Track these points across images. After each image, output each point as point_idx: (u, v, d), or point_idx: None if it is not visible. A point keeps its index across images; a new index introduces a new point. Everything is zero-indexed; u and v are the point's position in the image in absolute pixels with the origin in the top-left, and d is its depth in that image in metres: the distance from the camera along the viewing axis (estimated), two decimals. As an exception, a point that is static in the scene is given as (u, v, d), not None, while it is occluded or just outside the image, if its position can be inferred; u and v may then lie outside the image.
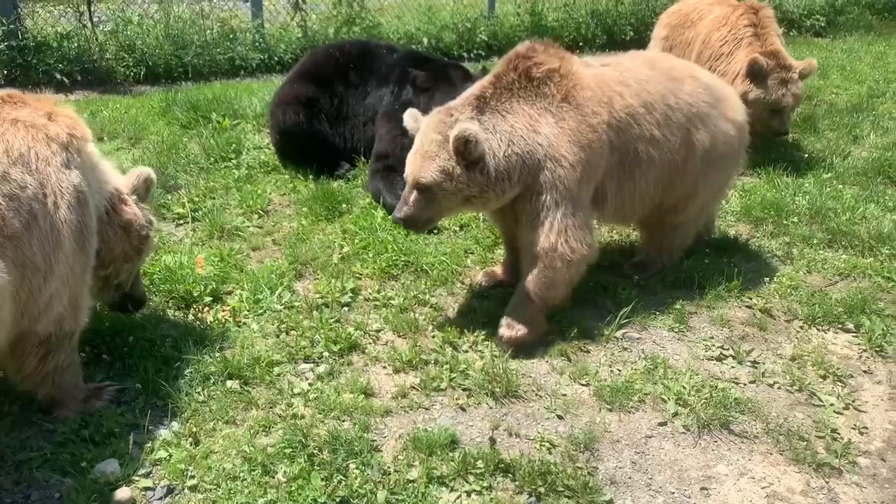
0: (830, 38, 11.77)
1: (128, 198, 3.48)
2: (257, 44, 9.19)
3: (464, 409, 3.52)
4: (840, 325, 4.24)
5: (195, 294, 4.19)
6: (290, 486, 2.98)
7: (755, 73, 6.04)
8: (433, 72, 5.59)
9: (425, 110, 5.52)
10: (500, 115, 3.84)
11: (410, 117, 4.10)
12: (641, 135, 4.04)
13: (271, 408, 3.43)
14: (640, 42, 9.68)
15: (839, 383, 3.79)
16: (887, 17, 13.14)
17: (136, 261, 3.60)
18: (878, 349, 4.05)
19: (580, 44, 10.66)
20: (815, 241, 5.07)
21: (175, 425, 3.28)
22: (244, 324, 4.03)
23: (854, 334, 4.19)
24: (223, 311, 4.12)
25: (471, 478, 3.10)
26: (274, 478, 3.04)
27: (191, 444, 3.18)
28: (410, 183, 3.85)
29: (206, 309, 4.14)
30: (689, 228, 4.60)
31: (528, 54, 3.94)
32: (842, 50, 10.53)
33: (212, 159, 5.98)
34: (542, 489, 3.06)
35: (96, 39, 8.60)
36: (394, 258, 4.63)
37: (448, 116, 3.85)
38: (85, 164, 3.17)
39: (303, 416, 3.39)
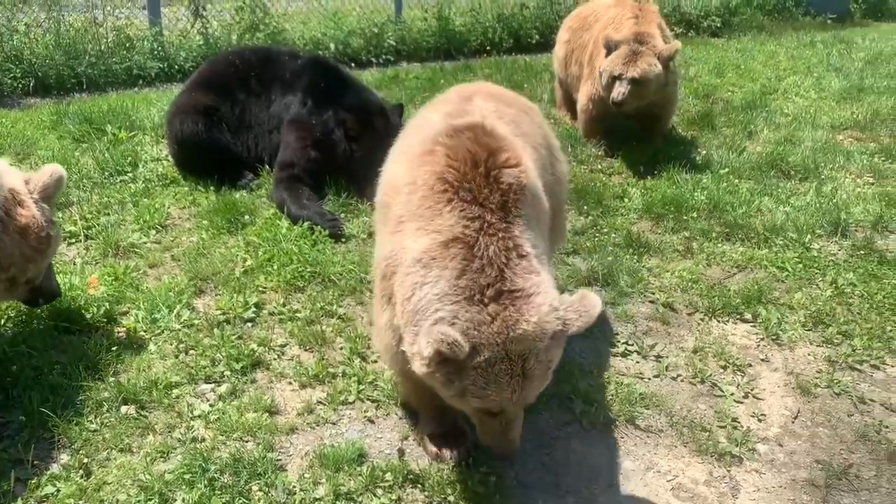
0: (726, 38, 12.27)
1: (26, 199, 3.36)
2: (156, 52, 8.88)
3: (372, 422, 3.45)
4: (739, 316, 4.38)
5: (88, 316, 3.98)
6: (189, 514, 2.85)
7: (606, 46, 6.17)
8: (361, 118, 5.53)
9: (347, 153, 5.46)
10: None
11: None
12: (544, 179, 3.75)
13: (170, 432, 3.28)
14: (546, 45, 9.85)
15: (739, 373, 3.90)
16: (777, 17, 13.81)
17: (40, 260, 3.49)
18: (774, 337, 4.20)
19: (487, 48, 10.74)
20: (713, 235, 5.23)
21: (64, 458, 3.09)
22: (140, 345, 3.84)
23: (752, 324, 4.33)
24: (119, 331, 3.92)
25: (379, 491, 3.03)
26: (172, 506, 2.90)
27: (81, 477, 3.00)
28: None
29: (100, 331, 3.93)
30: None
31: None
32: (736, 49, 10.99)
33: (106, 173, 5.71)
34: (451, 497, 3.02)
35: (-21, 50, 8.13)
36: (299, 269, 4.52)
37: None
38: None
39: (203, 440, 3.25)
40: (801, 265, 4.86)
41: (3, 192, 3.26)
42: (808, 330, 4.27)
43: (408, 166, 2.89)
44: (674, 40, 6.82)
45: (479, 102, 3.21)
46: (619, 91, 6.05)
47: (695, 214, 5.47)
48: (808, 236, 5.18)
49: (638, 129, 6.86)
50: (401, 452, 3.25)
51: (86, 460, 3.07)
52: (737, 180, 6.13)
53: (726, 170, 6.28)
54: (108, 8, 9.48)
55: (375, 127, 5.54)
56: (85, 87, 8.31)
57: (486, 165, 2.71)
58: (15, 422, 3.24)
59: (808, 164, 6.42)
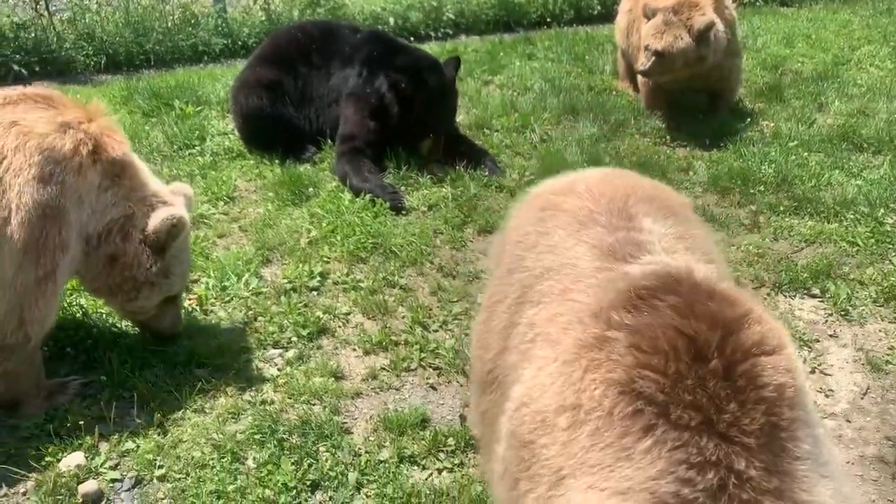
0: (796, 6, 11.78)
1: (133, 232, 3.27)
2: (220, 28, 9.02)
3: (434, 388, 3.52)
4: (806, 291, 4.29)
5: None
6: (260, 472, 2.97)
7: (644, 14, 6.10)
8: (414, 77, 5.50)
9: (402, 114, 5.49)
10: None
11: None
12: None
13: (240, 395, 3.41)
14: (608, 16, 9.66)
15: (806, 348, 3.83)
16: (851, -16, 13.19)
17: (137, 299, 3.38)
18: (843, 313, 4.10)
19: (548, 20, 10.59)
20: (781, 209, 5.10)
21: (142, 416, 3.25)
22: (211, 311, 3.98)
23: (820, 299, 4.23)
24: (190, 299, 4.07)
25: (442, 455, 3.10)
26: (244, 464, 3.03)
27: (158, 435, 3.15)
28: None
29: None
30: None
31: None
32: (807, 19, 10.56)
33: (175, 147, 5.88)
34: (513, 464, 3.07)
35: (54, 29, 8.40)
36: (362, 241, 4.60)
37: None
38: (86, 181, 3.10)
39: (272, 402, 3.37)
40: (872, 240, 4.71)
41: (112, 216, 3.26)
42: (880, 306, 4.15)
43: (558, 373, 1.74)
44: (734, 11, 6.61)
45: (648, 223, 2.14)
46: (643, 62, 6.04)
47: (762, 188, 5.34)
48: (882, 210, 5.01)
49: (703, 103, 6.71)
50: (462, 419, 3.30)
51: (162, 419, 3.22)
52: (806, 153, 5.95)
53: (795, 142, 6.10)
54: (174, -14, 9.69)
55: (429, 83, 5.49)
56: (153, 63, 8.52)
57: (723, 356, 1.55)
58: (97, 381, 3.41)
59: (883, 137, 6.18)
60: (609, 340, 1.66)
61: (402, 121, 5.52)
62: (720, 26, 6.05)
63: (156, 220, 3.27)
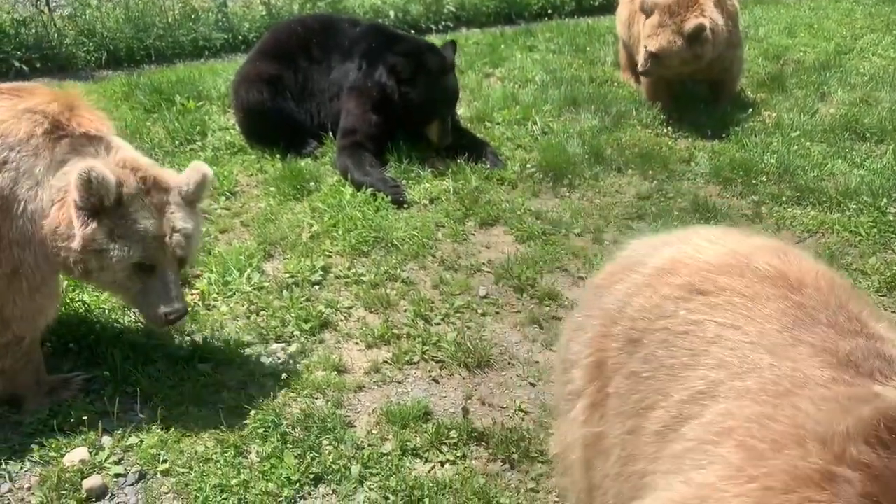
0: (798, -4, 11.74)
1: (69, 198, 2.92)
2: (220, 23, 9.01)
3: (437, 381, 3.52)
4: (809, 281, 4.28)
5: (163, 279, 4.13)
6: (264, 466, 2.98)
7: (642, 9, 6.14)
8: (412, 59, 5.49)
9: (403, 99, 5.48)
10: None
11: None
12: None
13: (243, 389, 3.41)
14: (609, 6, 9.62)
15: (808, 338, 3.82)
16: (854, -27, 13.12)
17: (92, 271, 3.02)
18: (845, 303, 4.09)
19: (549, 11, 10.57)
20: (783, 199, 5.09)
21: (146, 411, 3.25)
22: (213, 306, 3.99)
23: (822, 289, 4.22)
24: (192, 294, 4.07)
25: (444, 448, 3.11)
26: (247, 458, 3.04)
27: (162, 429, 3.16)
28: None
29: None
30: None
31: None
32: (809, 8, 10.53)
33: (177, 142, 5.88)
34: (515, 456, 3.08)
35: (54, 25, 8.39)
36: (364, 234, 4.60)
37: None
38: (41, 161, 2.92)
39: (275, 396, 3.37)
40: (875, 229, 4.71)
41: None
42: (883, 296, 4.15)
43: (752, 498, 1.36)
44: (737, 2, 6.58)
45: (883, 330, 1.73)
46: (642, 63, 6.16)
47: (764, 178, 5.34)
48: (884, 200, 5.00)
49: (705, 93, 6.69)
50: (465, 411, 3.31)
51: (165, 414, 3.22)
52: (808, 143, 5.93)
53: (797, 132, 6.08)
54: (174, -20, 9.68)
55: (428, 65, 5.49)
56: (153, 59, 8.51)
57: None
58: (100, 377, 3.41)
59: (886, 126, 6.16)
60: (837, 480, 1.26)
61: (405, 106, 5.49)
62: (720, 20, 6.04)
63: (70, 178, 2.87)
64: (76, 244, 2.91)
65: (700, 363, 1.74)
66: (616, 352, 2.00)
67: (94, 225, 2.92)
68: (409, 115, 5.53)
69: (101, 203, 2.91)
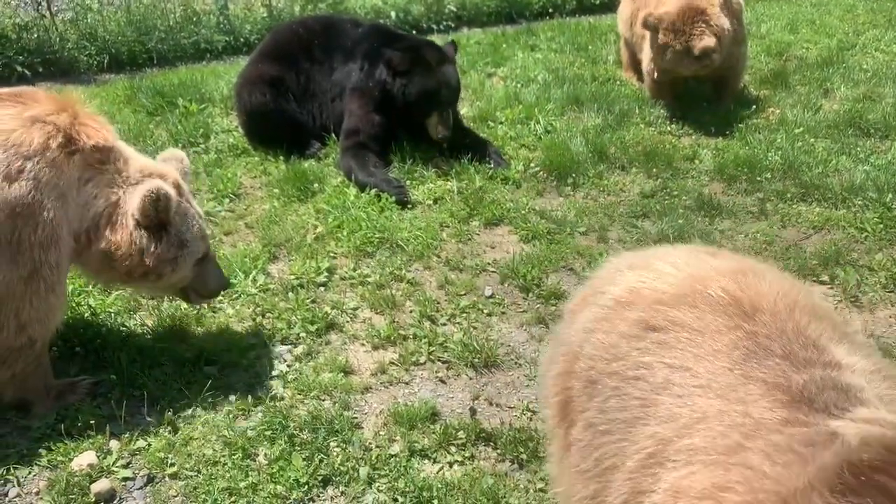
0: (800, -8, 11.71)
1: (123, 219, 3.12)
2: (222, 26, 9.01)
3: (444, 382, 3.52)
4: (815, 278, 4.27)
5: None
6: (272, 468, 2.98)
7: (645, 25, 6.12)
8: (408, 53, 5.49)
9: (402, 93, 5.48)
10: None
11: None
12: None
13: (250, 391, 3.41)
14: (611, 5, 9.60)
15: (815, 335, 3.81)
16: (855, -32, 13.08)
17: (162, 278, 3.28)
18: (852, 300, 4.08)
19: (550, 10, 10.55)
20: (788, 196, 5.08)
21: (153, 414, 3.25)
22: (219, 309, 3.98)
23: (829, 286, 4.21)
24: (197, 297, 4.07)
25: (452, 449, 3.10)
26: (255, 461, 3.04)
27: (169, 432, 3.16)
28: None
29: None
30: None
31: None
32: (811, 4, 10.49)
33: (180, 145, 5.86)
34: (524, 456, 3.07)
35: (56, 29, 8.40)
36: (368, 235, 4.59)
37: None
38: (63, 176, 2.98)
39: (282, 398, 3.37)
40: (881, 225, 4.69)
41: (97, 209, 3.12)
42: (890, 292, 4.13)
43: None
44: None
45: (843, 354, 1.60)
46: (649, 82, 6.50)
47: (769, 175, 5.32)
48: (890, 195, 4.98)
49: (708, 90, 6.67)
50: (472, 412, 3.30)
51: (173, 417, 3.22)
52: (812, 139, 5.92)
53: (801, 129, 6.06)
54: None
55: (424, 57, 5.47)
56: (155, 62, 8.51)
57: None
58: (107, 381, 3.41)
59: (890, 122, 6.14)
60: None
61: (404, 100, 5.45)
62: (726, 24, 6.01)
63: (136, 200, 3.08)
64: (151, 260, 3.17)
65: (650, 416, 1.64)
66: (579, 392, 1.90)
67: (165, 239, 3.20)
68: (408, 110, 5.50)
69: (166, 218, 3.18)
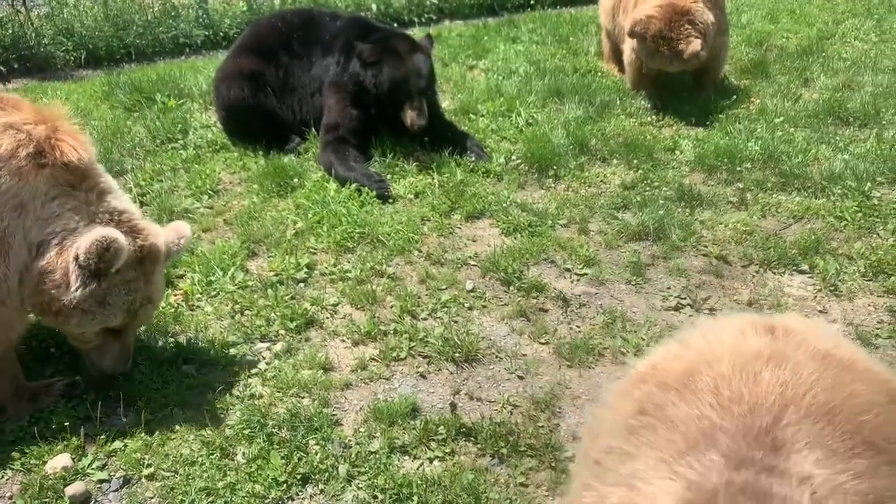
0: (780, -18, 11.74)
1: (70, 248, 2.95)
2: (201, 20, 8.92)
3: (424, 377, 3.50)
4: (795, 267, 4.28)
5: (146, 280, 4.08)
6: (250, 467, 2.95)
7: (631, 35, 6.17)
8: (378, 44, 5.45)
9: (374, 84, 5.44)
10: None
11: None
12: None
13: (229, 390, 3.38)
14: (591, -3, 9.59)
15: (795, 324, 3.82)
16: (836, -43, 13.13)
17: (68, 324, 3.07)
18: (832, 288, 4.09)
19: (531, 2, 10.52)
20: (768, 186, 5.09)
21: (129, 415, 3.21)
22: (197, 307, 3.95)
23: (809, 275, 4.23)
24: (175, 295, 4.03)
25: (433, 444, 3.09)
26: (233, 460, 3.01)
27: (146, 433, 3.12)
28: None
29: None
30: None
31: None
32: (792, -7, 10.52)
33: (158, 141, 5.81)
34: (504, 450, 3.06)
35: (32, 24, 8.28)
36: (349, 230, 4.56)
37: None
38: (27, 186, 2.90)
39: (261, 396, 3.34)
40: (860, 214, 4.71)
41: (49, 231, 2.98)
42: (869, 280, 4.15)
43: None
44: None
45: (804, 462, 1.40)
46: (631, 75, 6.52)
47: (749, 165, 5.33)
48: (869, 184, 5.00)
49: (689, 81, 6.67)
50: (453, 406, 3.29)
51: (150, 417, 3.19)
52: (792, 129, 5.93)
53: (781, 118, 6.08)
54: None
55: (397, 49, 5.41)
56: (134, 57, 8.42)
57: None
58: (82, 382, 3.36)
59: (869, 110, 6.17)
60: None
61: (377, 91, 5.40)
62: (710, 18, 6.06)
63: (86, 240, 2.91)
64: (68, 299, 2.96)
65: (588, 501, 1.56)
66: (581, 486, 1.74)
67: (92, 287, 2.97)
68: (381, 102, 5.45)
69: (106, 269, 2.97)
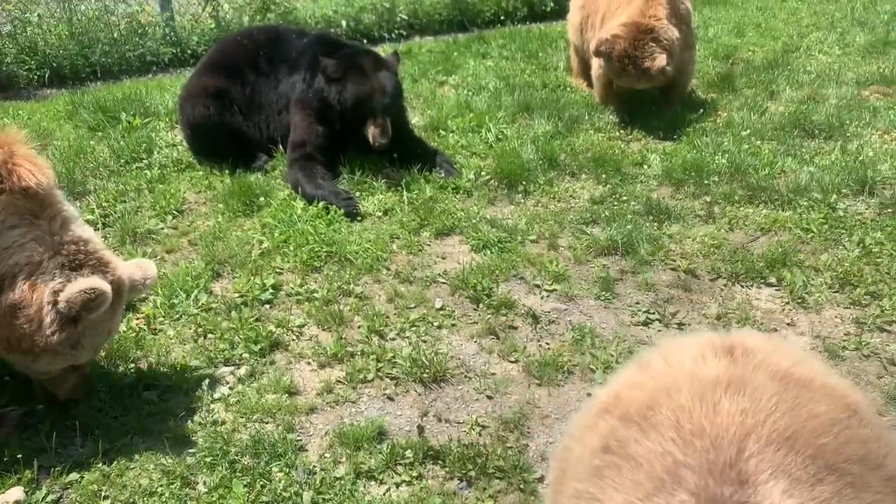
0: (746, -4, 11.91)
1: (43, 286, 2.90)
2: (168, 38, 8.83)
3: (391, 399, 3.44)
4: (763, 280, 4.29)
5: (107, 304, 3.99)
6: (212, 497, 2.88)
7: (595, 54, 6.23)
8: (343, 60, 5.42)
9: (338, 101, 5.39)
10: None
11: None
12: None
13: (190, 416, 3.30)
14: (561, 12, 9.65)
15: (763, 338, 3.82)
16: (799, -28, 13.36)
17: (35, 363, 3.02)
18: (799, 301, 4.11)
19: (501, 18, 10.56)
20: (735, 198, 5.11)
21: (87, 445, 3.12)
22: (160, 331, 3.86)
23: (776, 288, 4.24)
24: (137, 319, 3.94)
25: (400, 469, 3.03)
26: (194, 489, 2.94)
27: (104, 463, 3.03)
28: None
29: (120, 318, 3.95)
30: None
31: None
32: (757, 7, 10.66)
33: (122, 161, 5.71)
34: (472, 473, 3.01)
35: (-6, 43, 8.16)
36: (316, 249, 4.50)
37: None
38: None
39: (223, 422, 3.27)
40: (826, 226, 4.74)
41: (14, 262, 2.91)
42: (835, 292, 4.17)
43: None
44: (690, 4, 6.65)
45: (773, 491, 1.39)
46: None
47: (716, 178, 5.35)
48: (834, 196, 5.04)
49: (657, 95, 6.71)
50: (420, 429, 3.23)
51: (108, 446, 3.10)
52: (759, 142, 5.98)
53: (748, 131, 6.13)
54: (119, -5, 9.48)
55: (361, 65, 5.36)
56: (99, 75, 8.30)
57: None
58: (37, 411, 3.26)
59: (833, 123, 6.24)
60: None
61: (341, 108, 5.34)
62: (675, 34, 6.10)
63: (72, 290, 2.85)
64: (42, 341, 2.90)
65: None
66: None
67: (69, 331, 2.93)
68: (345, 118, 5.39)
69: (83, 317, 2.92)
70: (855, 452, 1.51)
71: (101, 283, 2.92)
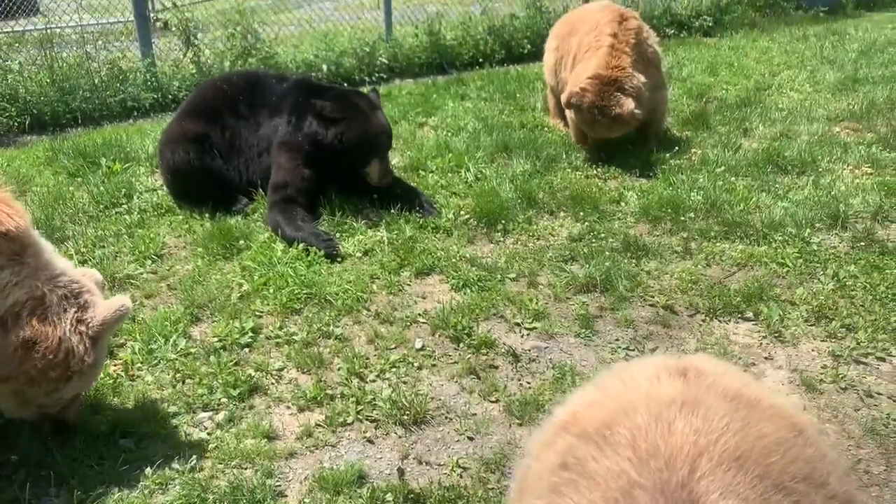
0: (718, 36, 12.22)
1: (53, 317, 2.99)
2: (149, 83, 8.91)
3: (372, 442, 3.41)
4: (740, 315, 4.33)
5: (84, 350, 3.95)
6: (188, 546, 2.82)
7: (566, 106, 6.42)
8: (338, 101, 5.49)
9: (339, 141, 5.44)
10: None
11: None
12: None
13: (168, 463, 3.25)
14: (538, 54, 9.84)
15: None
16: (769, 13, 13.76)
17: (61, 389, 3.09)
18: (776, 335, 4.14)
19: (479, 60, 10.75)
20: (712, 234, 5.18)
21: (62, 495, 3.06)
22: (138, 377, 3.82)
23: (753, 322, 4.28)
24: (115, 365, 3.90)
25: (380, 513, 2.99)
26: (171, 539, 2.87)
27: (78, 514, 2.97)
28: None
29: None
30: None
31: None
32: (729, 47, 10.94)
33: (101, 206, 5.71)
34: (453, 516, 2.98)
35: (-26, 91, 8.18)
36: (295, 291, 4.50)
37: None
38: None
39: (201, 469, 3.22)
40: (801, 260, 4.81)
41: (17, 298, 2.97)
42: (811, 325, 4.21)
43: None
44: (657, 47, 6.83)
45: None
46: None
47: (692, 215, 5.43)
48: (808, 230, 5.13)
49: (632, 134, 6.83)
50: (401, 472, 3.20)
51: (83, 497, 3.04)
52: (733, 178, 6.08)
53: (722, 168, 6.24)
54: (101, 42, 9.56)
55: (358, 104, 5.48)
56: (80, 121, 8.34)
57: None
58: (11, 462, 3.21)
59: (805, 158, 6.37)
60: None
61: (343, 148, 5.42)
62: (642, 79, 6.28)
63: (107, 312, 3.07)
64: (78, 365, 3.03)
65: None
66: None
67: (97, 350, 3.12)
68: (346, 158, 5.46)
69: (107, 333, 3.17)
70: (801, 471, 1.53)
71: (126, 300, 3.19)
